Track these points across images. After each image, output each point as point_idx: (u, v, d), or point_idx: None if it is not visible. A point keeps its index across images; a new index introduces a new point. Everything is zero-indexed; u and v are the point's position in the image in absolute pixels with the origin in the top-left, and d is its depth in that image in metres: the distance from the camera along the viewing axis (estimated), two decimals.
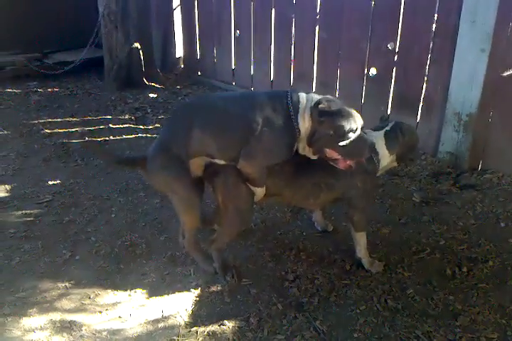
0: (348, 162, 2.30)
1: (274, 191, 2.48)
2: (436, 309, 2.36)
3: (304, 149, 2.34)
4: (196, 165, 2.42)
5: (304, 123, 2.24)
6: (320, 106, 2.18)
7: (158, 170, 2.40)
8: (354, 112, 2.26)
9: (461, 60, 3.48)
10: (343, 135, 2.21)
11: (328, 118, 2.20)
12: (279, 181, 2.43)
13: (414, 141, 2.58)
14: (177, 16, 5.70)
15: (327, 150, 2.28)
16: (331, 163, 2.33)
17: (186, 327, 2.27)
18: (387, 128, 2.51)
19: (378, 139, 2.46)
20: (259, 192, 2.43)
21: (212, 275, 2.57)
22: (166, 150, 2.36)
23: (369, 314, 2.33)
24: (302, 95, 2.27)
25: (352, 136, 2.22)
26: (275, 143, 2.26)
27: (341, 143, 2.22)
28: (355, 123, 2.22)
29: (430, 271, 2.61)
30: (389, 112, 4.09)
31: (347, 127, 2.20)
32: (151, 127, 4.46)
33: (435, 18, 3.67)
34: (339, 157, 2.29)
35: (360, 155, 2.30)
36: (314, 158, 2.37)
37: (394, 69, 4.00)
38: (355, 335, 2.22)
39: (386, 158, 2.49)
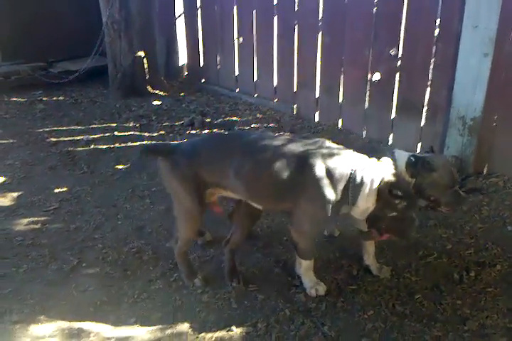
0: (388, 236, 2.40)
1: None
2: (444, 314, 2.36)
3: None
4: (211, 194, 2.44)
5: (366, 203, 2.25)
6: (394, 192, 2.22)
7: (175, 175, 2.38)
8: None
9: (465, 65, 3.49)
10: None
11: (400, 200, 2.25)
12: None
13: (439, 177, 2.38)
14: (180, 24, 5.73)
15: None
16: (372, 231, 2.39)
17: (194, 334, 2.27)
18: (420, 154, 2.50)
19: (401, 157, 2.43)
20: (306, 265, 2.45)
21: (219, 281, 2.56)
22: (190, 165, 2.34)
23: (377, 319, 2.33)
24: (367, 176, 2.22)
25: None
26: (322, 215, 2.28)
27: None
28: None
29: (438, 276, 2.61)
30: (393, 117, 4.10)
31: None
32: (155, 134, 4.47)
33: (437, 23, 3.69)
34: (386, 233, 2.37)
35: (404, 235, 2.40)
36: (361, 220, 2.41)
37: (397, 74, 4.01)
38: (364, 340, 2.21)
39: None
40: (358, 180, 2.21)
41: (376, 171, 2.25)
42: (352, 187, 2.21)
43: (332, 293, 2.48)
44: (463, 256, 2.75)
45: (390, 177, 2.25)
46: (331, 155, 2.26)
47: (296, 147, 2.28)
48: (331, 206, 2.23)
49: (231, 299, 2.46)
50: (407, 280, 2.57)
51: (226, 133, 2.53)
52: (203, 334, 2.26)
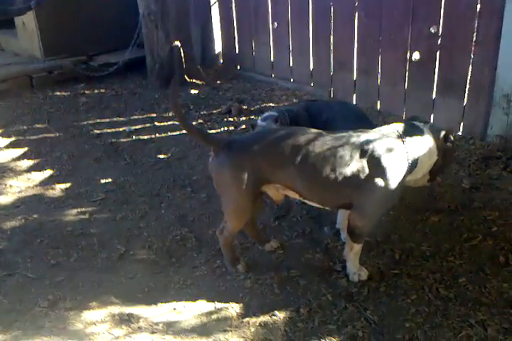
0: None
1: None
2: (489, 297, 2.32)
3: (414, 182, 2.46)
4: (273, 190, 2.42)
5: (429, 161, 2.35)
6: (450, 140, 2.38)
7: (232, 170, 2.31)
8: None
9: (509, 41, 3.36)
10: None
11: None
12: None
13: None
14: (215, 12, 5.74)
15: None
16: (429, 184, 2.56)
17: (238, 318, 2.32)
18: None
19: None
20: (357, 249, 2.44)
21: (261, 267, 2.61)
22: (251, 159, 2.28)
23: (420, 303, 2.32)
24: (419, 141, 2.31)
25: None
26: (391, 198, 2.32)
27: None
28: None
29: (482, 259, 2.56)
30: (434, 97, 4.01)
31: None
32: (194, 123, 4.52)
33: None
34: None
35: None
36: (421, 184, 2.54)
37: (438, 53, 3.90)
38: (407, 325, 2.21)
39: None
40: (414, 148, 2.27)
41: (421, 133, 2.32)
42: (410, 154, 2.25)
43: (374, 278, 2.48)
44: (509, 238, 2.69)
45: (440, 130, 2.36)
46: (383, 138, 2.26)
47: (350, 140, 2.26)
48: (398, 186, 2.25)
49: (273, 284, 2.50)
50: (451, 264, 2.54)
51: (287, 128, 2.51)
52: (247, 319, 2.32)
